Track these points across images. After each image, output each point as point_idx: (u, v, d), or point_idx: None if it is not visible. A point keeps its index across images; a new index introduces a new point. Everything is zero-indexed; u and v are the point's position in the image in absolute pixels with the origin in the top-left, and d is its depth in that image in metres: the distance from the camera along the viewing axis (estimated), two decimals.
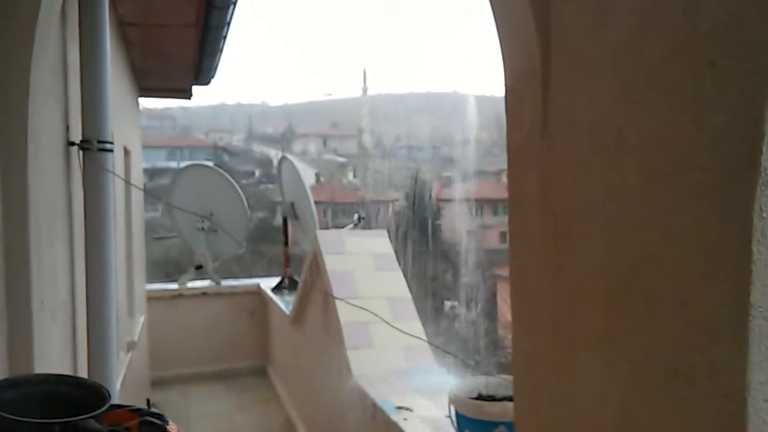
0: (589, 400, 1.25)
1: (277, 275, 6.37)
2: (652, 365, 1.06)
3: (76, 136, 2.36)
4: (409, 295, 3.31)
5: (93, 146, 2.28)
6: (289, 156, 6.61)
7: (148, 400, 1.30)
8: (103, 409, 1.14)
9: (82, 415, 1.13)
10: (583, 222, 1.28)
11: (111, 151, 2.35)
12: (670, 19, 1.02)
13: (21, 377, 1.32)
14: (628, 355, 1.13)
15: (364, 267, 3.47)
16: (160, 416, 1.19)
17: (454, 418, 1.78)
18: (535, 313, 1.48)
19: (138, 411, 1.21)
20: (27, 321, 1.63)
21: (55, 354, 1.95)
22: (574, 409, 1.31)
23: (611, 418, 1.18)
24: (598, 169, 1.23)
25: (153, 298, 5.61)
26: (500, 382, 1.87)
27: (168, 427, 1.17)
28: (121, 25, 4.04)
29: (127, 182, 3.70)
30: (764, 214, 0.90)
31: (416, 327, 3.03)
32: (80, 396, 1.24)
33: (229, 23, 4.33)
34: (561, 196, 1.37)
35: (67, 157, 2.33)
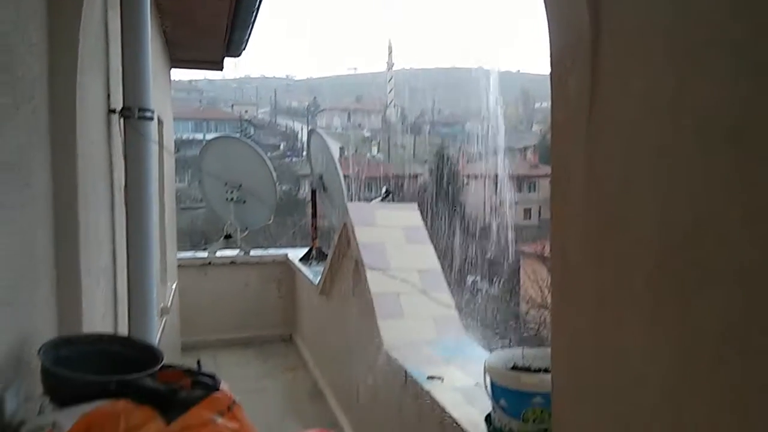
0: (633, 373, 1.25)
1: (301, 247, 6.42)
2: (703, 337, 1.05)
3: (117, 104, 2.39)
4: (439, 267, 3.32)
5: (134, 114, 2.31)
6: (318, 129, 6.61)
7: (198, 361, 1.33)
8: (157, 368, 1.17)
9: (136, 373, 1.17)
10: (632, 190, 1.26)
11: (151, 119, 2.37)
12: None
13: (75, 335, 1.37)
14: (676, 327, 1.12)
15: (394, 239, 3.49)
16: (212, 376, 1.22)
17: (489, 387, 1.79)
18: (577, 286, 1.48)
19: (189, 371, 1.25)
20: (76, 284, 1.68)
21: (98, 317, 2.00)
22: (617, 383, 1.31)
23: (656, 392, 1.17)
24: (651, 134, 1.21)
25: (183, 265, 5.71)
26: (535, 354, 1.87)
27: (221, 387, 1.20)
28: None
29: (166, 150, 3.74)
30: None
31: (446, 297, 3.05)
32: (133, 355, 1.28)
33: None
34: (609, 165, 1.35)
35: (108, 124, 2.36)
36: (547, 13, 1.61)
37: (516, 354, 1.90)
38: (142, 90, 2.36)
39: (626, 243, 1.28)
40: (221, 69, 6.25)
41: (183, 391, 1.14)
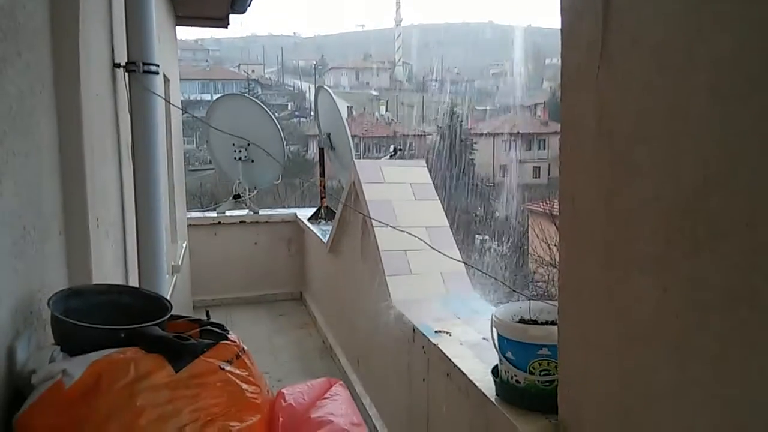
0: (642, 324, 1.25)
1: (310, 207, 6.43)
2: (712, 289, 1.05)
3: (121, 58, 2.36)
4: (447, 223, 3.32)
5: (139, 68, 2.28)
6: (325, 87, 6.53)
7: (207, 311, 1.35)
8: (166, 317, 1.18)
9: (145, 323, 1.18)
10: (643, 144, 1.24)
11: (156, 73, 2.35)
12: None
13: (85, 287, 1.38)
14: (686, 279, 1.12)
15: (402, 196, 3.48)
16: (220, 325, 1.23)
17: (496, 340, 1.81)
18: (586, 237, 1.47)
19: (198, 321, 1.26)
20: (84, 236, 1.68)
21: (108, 270, 2.02)
22: (624, 332, 1.31)
23: (664, 341, 1.18)
24: (662, 88, 1.18)
25: (193, 225, 5.74)
26: (542, 307, 1.88)
27: (229, 336, 1.21)
28: None
29: (172, 104, 3.71)
30: None
31: (454, 254, 3.05)
32: (142, 306, 1.29)
33: None
34: (620, 117, 1.32)
35: (113, 79, 2.34)
36: None
37: (523, 307, 1.90)
38: (146, 44, 2.32)
39: (635, 197, 1.26)
40: (227, 26, 6.15)
41: (192, 339, 1.16)
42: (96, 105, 1.93)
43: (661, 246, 1.19)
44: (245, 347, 1.20)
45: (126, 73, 2.31)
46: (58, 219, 1.57)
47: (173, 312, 1.31)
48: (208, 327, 1.22)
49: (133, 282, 2.35)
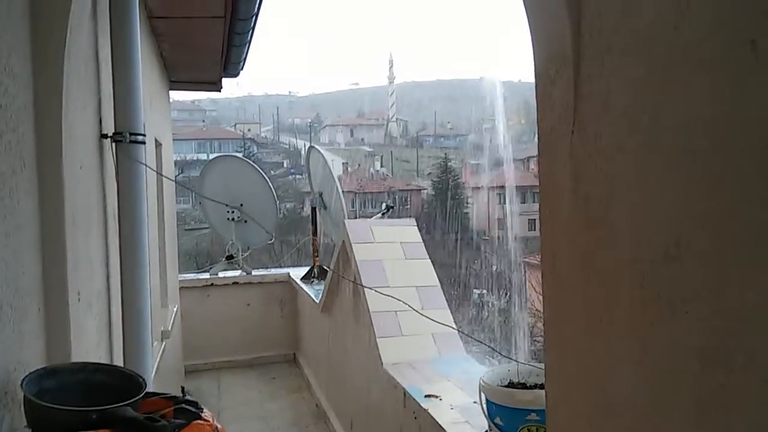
0: (622, 389, 1.23)
1: (306, 265, 6.41)
2: (687, 353, 1.04)
3: (109, 128, 2.40)
4: (437, 283, 3.31)
5: (125, 138, 2.32)
6: (316, 146, 6.62)
7: (182, 388, 1.32)
8: (138, 397, 1.16)
9: (118, 403, 1.15)
10: (616, 207, 1.25)
11: (143, 143, 2.38)
12: None
13: (59, 366, 1.36)
14: (662, 343, 1.11)
15: (392, 256, 3.47)
16: (194, 403, 1.21)
17: (484, 405, 1.77)
18: (567, 301, 1.46)
19: (173, 398, 1.24)
20: (64, 311, 1.66)
21: (91, 344, 1.99)
22: (607, 397, 1.29)
23: (644, 406, 1.16)
24: (632, 151, 1.20)
25: (185, 287, 5.70)
26: (531, 370, 1.85)
27: (203, 414, 1.19)
28: (151, 18, 4.09)
29: (158, 173, 3.75)
30: None
31: (445, 315, 3.02)
32: (117, 384, 1.27)
33: (257, 14, 4.35)
34: (593, 181, 1.34)
35: (101, 149, 2.37)
36: (530, 24, 1.61)
37: (512, 370, 1.88)
38: (133, 114, 2.36)
39: (612, 259, 1.26)
40: (220, 90, 6.29)
41: (164, 419, 1.13)
42: (80, 177, 1.95)
43: (637, 309, 1.18)
44: (218, 425, 1.17)
45: (113, 144, 2.34)
46: (37, 295, 1.56)
47: (168, 386, 1.29)
48: (183, 405, 1.19)
49: (118, 353, 2.31)
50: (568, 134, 1.44)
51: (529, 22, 1.61)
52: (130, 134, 2.33)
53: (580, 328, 1.40)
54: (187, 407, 1.19)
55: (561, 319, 1.51)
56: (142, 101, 2.47)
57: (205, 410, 1.20)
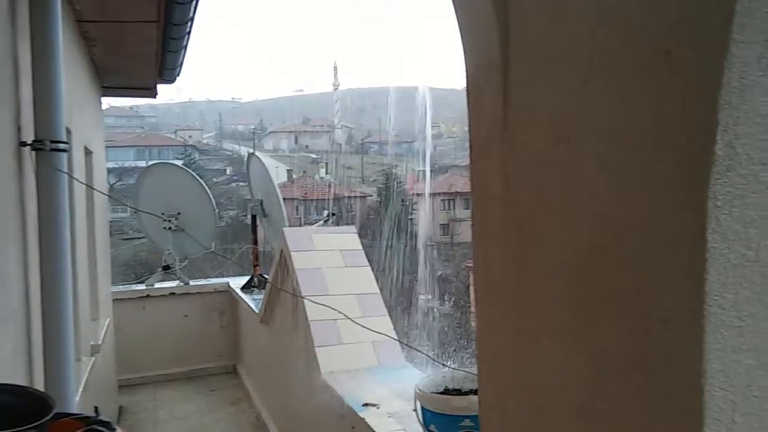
0: (552, 393, 1.24)
1: (249, 273, 6.29)
2: (610, 356, 1.06)
3: (29, 136, 2.28)
4: (377, 290, 3.29)
5: (46, 146, 2.21)
6: (257, 153, 6.52)
7: (96, 408, 1.25)
8: (46, 418, 1.09)
9: (24, 425, 1.08)
10: (544, 215, 1.27)
11: (65, 151, 2.27)
12: (624, 8, 1.01)
13: None
14: (588, 346, 1.12)
15: (333, 263, 3.44)
16: (107, 423, 1.15)
17: (420, 413, 1.76)
18: (499, 306, 1.47)
19: (85, 419, 1.17)
20: None
21: (5, 363, 1.87)
22: (537, 401, 1.30)
23: (572, 410, 1.17)
24: (558, 161, 1.22)
25: (120, 299, 5.50)
26: (466, 376, 1.86)
27: None
28: (80, 22, 3.93)
29: (81, 182, 3.60)
30: (719, 203, 0.89)
31: (385, 322, 3.01)
32: (24, 405, 1.19)
33: (192, 19, 4.25)
34: (523, 189, 1.35)
35: (19, 158, 2.24)
36: (461, 32, 1.62)
37: (447, 376, 1.87)
38: (54, 121, 2.26)
39: (541, 265, 1.28)
40: (155, 96, 6.11)
41: None
42: None
43: (565, 314, 1.19)
44: None
45: (33, 152, 2.22)
46: None
47: (85, 404, 1.21)
48: (94, 426, 1.13)
49: (38, 372, 2.19)
50: (499, 143, 1.45)
51: (460, 30, 1.62)
52: (51, 142, 2.22)
53: (511, 334, 1.40)
54: (99, 428, 1.12)
55: (493, 325, 1.51)
56: (66, 108, 2.36)
57: (118, 429, 1.14)
